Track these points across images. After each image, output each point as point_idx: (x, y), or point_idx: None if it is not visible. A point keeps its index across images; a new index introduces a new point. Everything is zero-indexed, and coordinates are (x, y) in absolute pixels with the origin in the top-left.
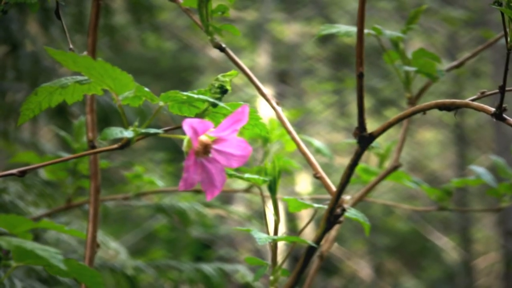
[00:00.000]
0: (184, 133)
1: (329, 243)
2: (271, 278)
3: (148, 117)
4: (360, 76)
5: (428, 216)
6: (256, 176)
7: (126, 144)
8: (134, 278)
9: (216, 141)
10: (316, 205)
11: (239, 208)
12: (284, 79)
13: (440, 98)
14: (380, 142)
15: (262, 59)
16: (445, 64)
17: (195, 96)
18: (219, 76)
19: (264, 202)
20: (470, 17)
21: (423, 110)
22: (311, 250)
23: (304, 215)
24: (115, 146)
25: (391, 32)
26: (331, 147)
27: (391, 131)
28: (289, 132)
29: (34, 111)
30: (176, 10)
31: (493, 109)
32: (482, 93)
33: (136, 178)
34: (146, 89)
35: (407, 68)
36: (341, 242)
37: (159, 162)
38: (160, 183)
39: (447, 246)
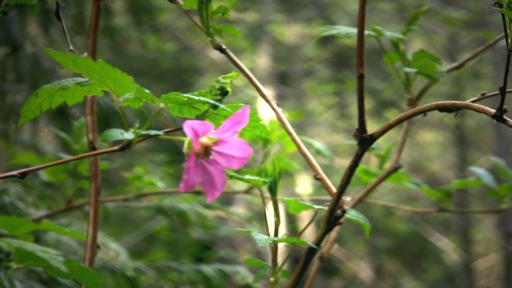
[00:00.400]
0: (184, 135)
1: (329, 244)
2: (272, 279)
3: (149, 119)
4: (361, 78)
5: (428, 217)
6: (256, 178)
7: (126, 145)
8: (134, 279)
9: (216, 142)
10: (316, 206)
11: (239, 210)
12: (285, 80)
13: (441, 99)
14: (381, 143)
15: (263, 60)
16: (445, 66)
17: (196, 97)
18: (220, 78)
19: (264, 203)
20: (470, 18)
21: (424, 112)
22: (311, 252)
23: (305, 216)
24: (116, 147)
25: (391, 33)
26: (331, 149)
27: (391, 132)
28: (289, 134)
29: (35, 112)
30: (177, 11)
31: (493, 111)
32: (483, 94)
33: (137, 180)
34: (147, 90)
35: (407, 69)
36: (341, 244)
37: (159, 163)
38: (161, 185)
39: (448, 247)
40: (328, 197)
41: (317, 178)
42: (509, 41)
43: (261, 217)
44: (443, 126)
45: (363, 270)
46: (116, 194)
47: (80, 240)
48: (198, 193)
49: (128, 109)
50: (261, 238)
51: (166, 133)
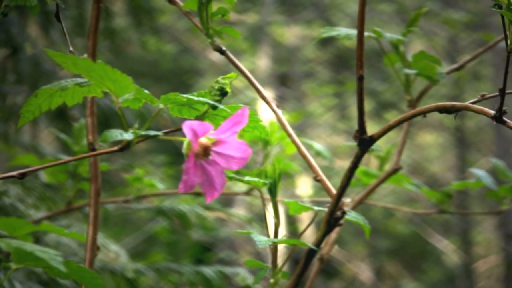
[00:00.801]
0: (184, 136)
1: (329, 245)
2: (272, 280)
3: (148, 120)
4: (361, 79)
5: (428, 219)
6: (256, 179)
7: (126, 146)
8: (134, 280)
9: (216, 143)
10: (316, 208)
11: (239, 211)
12: (285, 82)
13: (441, 101)
14: (381, 145)
15: (263, 61)
16: (445, 67)
17: (195, 98)
18: (219, 79)
19: (264, 205)
20: (470, 20)
21: (424, 113)
22: (311, 253)
23: (305, 217)
24: (115, 148)
25: (391, 34)
26: (331, 150)
27: (391, 134)
28: (289, 135)
29: (34, 113)
30: (177, 13)
31: (493, 112)
32: (482, 95)
33: (137, 181)
34: (146, 91)
35: (408, 71)
36: (341, 245)
37: (159, 164)
38: (161, 186)
39: (448, 249)
40: (328, 199)
41: (317, 179)
42: (509, 42)
43: (261, 219)
44: (443, 127)
45: (363, 271)
46: (116, 196)
47: (80, 242)
48: (198, 194)
49: (128, 110)
50: (261, 240)
51: (166, 133)
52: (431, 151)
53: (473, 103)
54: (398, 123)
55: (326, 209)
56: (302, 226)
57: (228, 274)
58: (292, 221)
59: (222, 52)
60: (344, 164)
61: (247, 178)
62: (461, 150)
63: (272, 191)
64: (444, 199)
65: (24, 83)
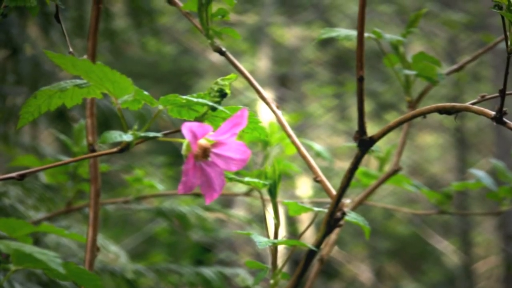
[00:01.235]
0: (183, 137)
1: (329, 246)
2: (271, 281)
3: (148, 121)
4: (361, 80)
5: (428, 219)
6: (256, 180)
7: (125, 147)
8: (134, 281)
9: (215, 144)
10: (316, 208)
11: (239, 212)
12: (285, 83)
13: (441, 102)
14: (380, 145)
15: (263, 62)
16: (445, 68)
17: (194, 99)
18: (219, 80)
19: (264, 205)
20: (470, 21)
21: (423, 114)
22: (311, 254)
23: (305, 218)
24: (115, 149)
25: (391, 35)
26: (331, 151)
27: (391, 134)
28: (289, 136)
29: (34, 114)
30: (176, 14)
31: (493, 113)
32: (482, 96)
33: (136, 182)
34: (146, 92)
35: (407, 71)
36: (341, 246)
37: (159, 165)
38: (160, 187)
39: (448, 249)
40: (328, 200)
41: (317, 180)
42: (509, 43)
43: (261, 220)
44: (443, 128)
45: (363, 272)
46: (116, 197)
47: (80, 243)
48: (198, 195)
49: (128, 111)
50: (261, 240)
51: (165, 135)
52: (431, 152)
53: (473, 104)
54: (398, 124)
55: (326, 210)
56: (302, 227)
57: (228, 275)
58: (292, 222)
59: (222, 53)
60: (344, 165)
61: (247, 179)
62: (461, 151)
63: (272, 192)
64: (444, 200)
65: (24, 84)
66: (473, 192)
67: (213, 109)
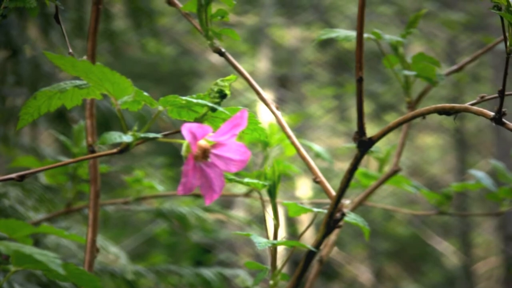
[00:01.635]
0: (183, 138)
1: (328, 247)
2: (271, 282)
3: (148, 122)
4: (360, 81)
5: (428, 220)
6: (256, 181)
7: (125, 148)
8: (134, 282)
9: (215, 145)
10: (315, 209)
11: (239, 213)
12: (284, 83)
13: (440, 102)
14: (380, 146)
15: (262, 63)
16: (445, 69)
17: (194, 100)
18: (218, 81)
19: (264, 206)
20: (470, 21)
21: (423, 115)
22: (310, 255)
23: (304, 219)
24: (115, 150)
25: (390, 36)
26: (331, 152)
27: (391, 135)
28: (288, 137)
29: (33, 115)
30: (176, 15)
31: (492, 114)
32: (482, 97)
33: (136, 183)
34: (145, 93)
35: (407, 72)
36: (341, 247)
37: (158, 166)
38: (160, 188)
39: (447, 250)
40: (328, 200)
41: (316, 181)
42: (508, 44)
43: (261, 221)
44: (443, 129)
45: (363, 273)
46: (115, 197)
47: (80, 243)
48: (198, 196)
49: (127, 112)
50: (260, 241)
51: (165, 136)
52: (430, 153)
53: (472, 104)
54: (398, 125)
55: (325, 211)
56: (301, 228)
57: (227, 276)
58: (291, 223)
59: (221, 54)
60: (343, 166)
61: (246, 180)
62: (460, 152)
63: (272, 193)
64: (443, 201)
65: (24, 85)
66: (472, 193)
67: (213, 110)
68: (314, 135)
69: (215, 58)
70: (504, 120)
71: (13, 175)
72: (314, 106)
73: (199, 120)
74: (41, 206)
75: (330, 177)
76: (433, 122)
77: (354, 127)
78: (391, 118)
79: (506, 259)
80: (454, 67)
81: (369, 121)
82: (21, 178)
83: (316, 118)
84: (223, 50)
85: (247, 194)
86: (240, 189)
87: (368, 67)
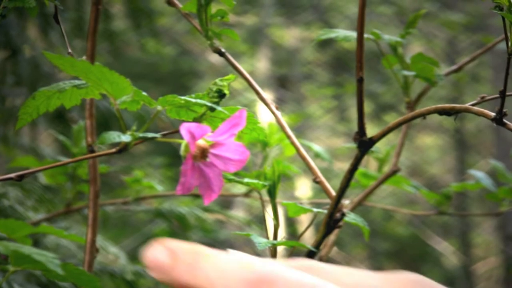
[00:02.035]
0: (182, 137)
1: (328, 247)
2: None
3: (147, 122)
4: (360, 81)
5: (427, 220)
6: (255, 181)
7: (124, 148)
8: (133, 282)
9: (213, 145)
10: (315, 209)
11: (238, 213)
12: (284, 83)
13: (440, 103)
14: (380, 146)
15: (262, 64)
16: (444, 69)
17: (193, 100)
18: (217, 80)
19: (263, 206)
20: (469, 22)
21: (423, 115)
22: (310, 254)
23: (304, 219)
24: (113, 150)
25: (389, 36)
26: (331, 152)
27: (391, 136)
28: (288, 137)
29: (32, 115)
30: (176, 15)
31: (493, 114)
32: (482, 97)
33: (136, 183)
34: (144, 93)
35: (406, 72)
36: (341, 247)
37: (158, 166)
38: (160, 188)
39: (447, 250)
40: (328, 200)
41: (316, 181)
42: (510, 44)
43: (261, 221)
44: (443, 129)
45: None
46: (115, 197)
47: (79, 244)
48: (197, 196)
49: (126, 112)
50: (260, 241)
51: (164, 135)
52: (430, 153)
53: (473, 105)
54: (398, 125)
55: (325, 211)
56: (301, 228)
57: None
58: (291, 223)
59: (221, 54)
60: (343, 166)
61: (246, 180)
62: (460, 152)
63: (271, 193)
64: (443, 201)
65: (23, 85)
66: (472, 193)
67: (212, 109)
68: (313, 135)
69: (214, 58)
70: (505, 120)
71: (12, 175)
72: (314, 106)
73: (197, 119)
74: (41, 206)
75: (330, 177)
76: (433, 122)
77: (354, 127)
78: (391, 118)
79: (505, 259)
80: (453, 67)
81: (369, 121)
82: (20, 178)
83: (315, 118)
84: (222, 50)
85: (246, 194)
86: (239, 189)
87: (368, 67)
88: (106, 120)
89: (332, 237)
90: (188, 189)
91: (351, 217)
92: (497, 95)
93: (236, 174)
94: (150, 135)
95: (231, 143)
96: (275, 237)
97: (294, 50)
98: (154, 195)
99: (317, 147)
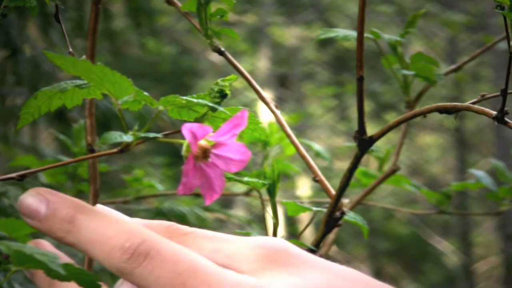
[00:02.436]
0: (183, 138)
1: (327, 246)
2: None
3: (148, 121)
4: (360, 80)
5: (428, 220)
6: (255, 180)
7: (125, 148)
8: None
9: (215, 145)
10: (315, 208)
11: (239, 212)
12: (284, 83)
13: (440, 102)
14: (380, 146)
15: (262, 63)
16: (445, 68)
17: (195, 100)
18: (219, 81)
19: (263, 205)
20: (470, 21)
21: (424, 114)
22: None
23: (304, 218)
24: (115, 150)
25: (389, 36)
26: (331, 151)
27: (391, 135)
28: (288, 136)
29: (34, 115)
30: (176, 14)
31: (494, 113)
32: (483, 96)
33: (136, 182)
34: (146, 93)
35: (405, 72)
36: (341, 246)
37: (158, 166)
38: (160, 187)
39: (447, 250)
40: (327, 199)
41: (316, 180)
42: (510, 43)
43: (261, 220)
44: (443, 128)
45: (363, 272)
46: (115, 197)
47: None
48: (198, 195)
49: (128, 112)
50: None
51: (165, 135)
52: (430, 152)
53: (473, 103)
54: (398, 124)
55: (325, 210)
56: (301, 227)
57: None
58: (291, 222)
59: (220, 53)
60: (343, 165)
61: (246, 179)
62: (460, 152)
63: (271, 192)
64: (443, 200)
65: (24, 85)
66: (472, 192)
67: (213, 109)
68: (314, 134)
69: (215, 57)
70: (506, 119)
71: (13, 175)
72: (314, 105)
73: (199, 120)
74: None
75: (330, 176)
76: (433, 121)
77: (354, 126)
78: (391, 118)
79: (506, 259)
80: (453, 66)
81: (369, 120)
82: (22, 177)
83: (316, 117)
84: (222, 49)
85: (246, 193)
86: (239, 188)
87: (368, 66)
88: (106, 119)
89: (331, 235)
90: (190, 189)
91: (350, 216)
92: (498, 94)
93: (236, 173)
94: (151, 135)
95: (233, 143)
96: (274, 235)
97: (294, 49)
98: (155, 194)
99: (317, 146)
